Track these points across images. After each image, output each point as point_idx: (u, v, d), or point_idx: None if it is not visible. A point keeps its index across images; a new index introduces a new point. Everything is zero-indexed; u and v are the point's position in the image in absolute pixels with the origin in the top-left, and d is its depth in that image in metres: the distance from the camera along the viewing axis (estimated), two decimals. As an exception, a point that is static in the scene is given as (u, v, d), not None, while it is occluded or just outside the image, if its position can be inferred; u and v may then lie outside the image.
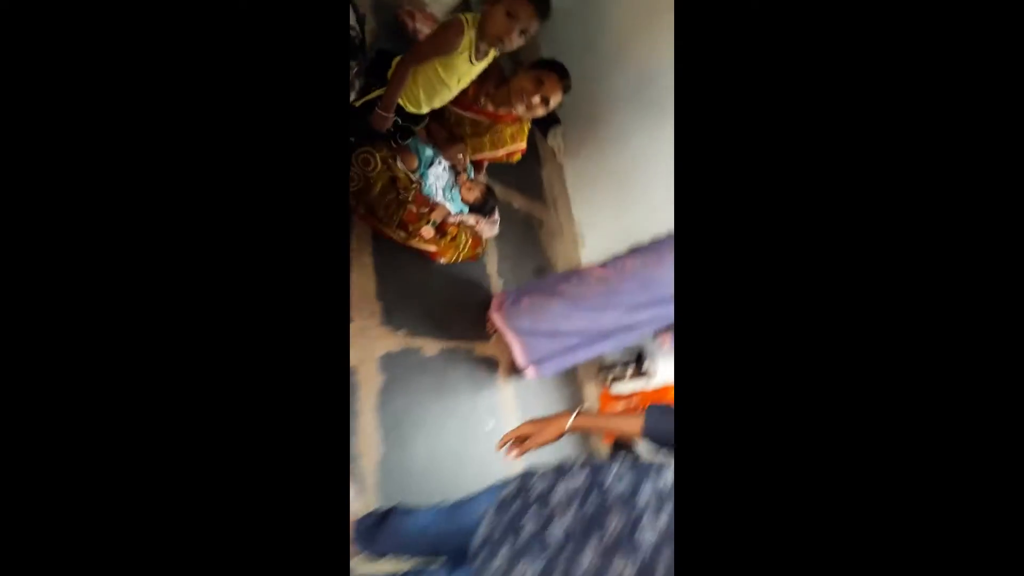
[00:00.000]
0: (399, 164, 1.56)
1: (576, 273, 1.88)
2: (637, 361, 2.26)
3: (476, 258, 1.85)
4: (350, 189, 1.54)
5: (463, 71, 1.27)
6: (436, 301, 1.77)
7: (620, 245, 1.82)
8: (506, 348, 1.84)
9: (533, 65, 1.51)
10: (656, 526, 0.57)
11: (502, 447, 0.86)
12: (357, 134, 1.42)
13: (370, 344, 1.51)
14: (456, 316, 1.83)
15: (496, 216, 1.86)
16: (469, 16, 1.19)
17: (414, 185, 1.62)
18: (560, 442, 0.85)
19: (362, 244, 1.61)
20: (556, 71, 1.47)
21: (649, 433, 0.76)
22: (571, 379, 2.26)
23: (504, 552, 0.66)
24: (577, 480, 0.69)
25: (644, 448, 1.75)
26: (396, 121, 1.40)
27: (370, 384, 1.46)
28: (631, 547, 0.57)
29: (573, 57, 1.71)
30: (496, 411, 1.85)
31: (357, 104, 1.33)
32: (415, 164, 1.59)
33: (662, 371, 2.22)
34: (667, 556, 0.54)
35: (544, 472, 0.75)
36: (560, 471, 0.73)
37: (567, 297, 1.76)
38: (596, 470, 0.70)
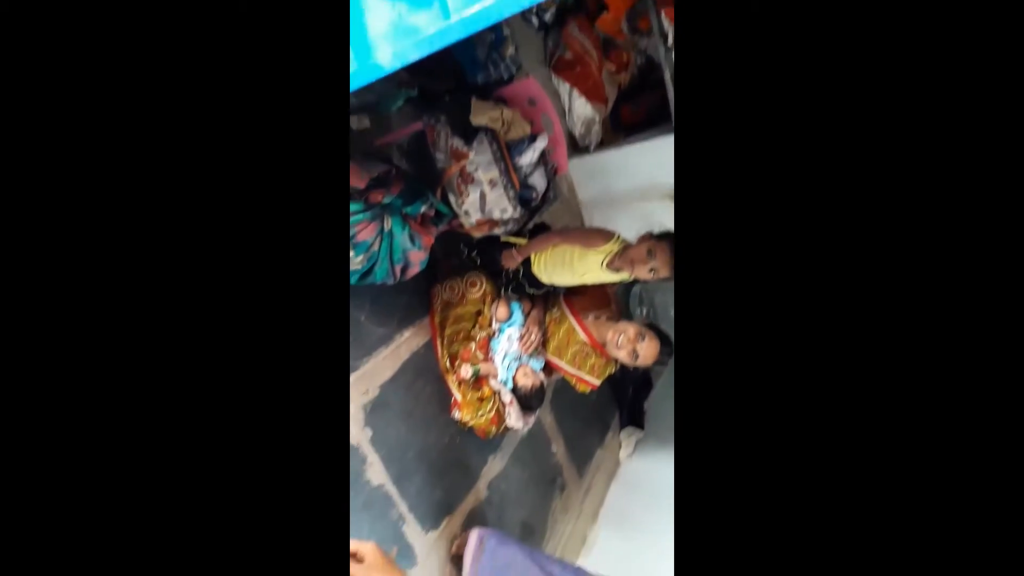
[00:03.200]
0: (493, 306, 1.67)
1: (576, 568, 1.58)
2: None
3: (487, 435, 1.68)
4: (446, 295, 1.67)
5: (592, 269, 1.43)
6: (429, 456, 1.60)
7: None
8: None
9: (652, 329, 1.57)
10: None
11: None
12: (482, 256, 1.62)
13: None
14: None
15: (531, 419, 1.73)
16: (622, 236, 1.41)
17: (489, 331, 1.68)
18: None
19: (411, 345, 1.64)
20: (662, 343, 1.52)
21: None
22: None
23: None
24: None
25: None
26: (519, 270, 1.57)
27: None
28: None
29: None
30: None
31: (502, 240, 1.56)
32: (504, 317, 1.68)
33: None
34: None
35: None
36: None
37: None
38: None
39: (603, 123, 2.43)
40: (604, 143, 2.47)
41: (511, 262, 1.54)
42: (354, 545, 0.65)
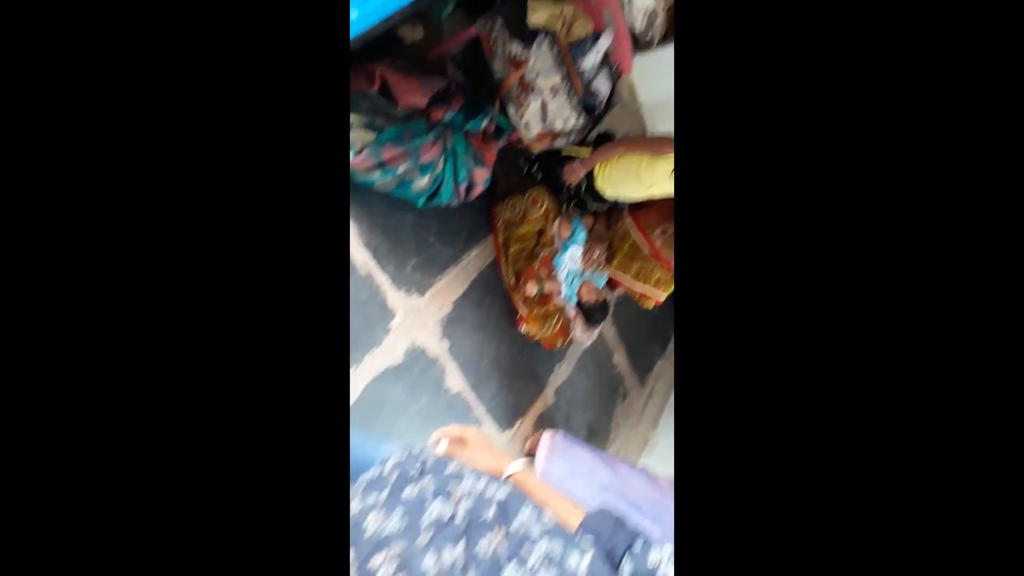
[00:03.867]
0: (555, 224, 1.67)
1: (643, 471, 1.70)
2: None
3: (552, 347, 1.77)
4: (508, 215, 1.68)
5: (661, 179, 1.37)
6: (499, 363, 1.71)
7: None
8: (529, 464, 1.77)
9: None
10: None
11: (438, 437, 0.74)
12: (543, 172, 1.59)
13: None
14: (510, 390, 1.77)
15: (595, 332, 1.79)
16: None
17: (552, 250, 1.70)
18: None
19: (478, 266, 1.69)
20: None
21: (585, 530, 0.58)
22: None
23: (371, 500, 0.59)
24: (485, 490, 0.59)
25: None
26: (582, 185, 1.54)
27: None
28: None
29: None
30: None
31: (563, 153, 1.52)
32: (566, 235, 1.68)
33: None
34: None
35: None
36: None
37: (619, 478, 1.60)
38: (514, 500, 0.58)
39: (667, 12, 2.17)
40: (668, 36, 2.23)
41: (573, 176, 1.51)
42: (458, 430, 0.73)
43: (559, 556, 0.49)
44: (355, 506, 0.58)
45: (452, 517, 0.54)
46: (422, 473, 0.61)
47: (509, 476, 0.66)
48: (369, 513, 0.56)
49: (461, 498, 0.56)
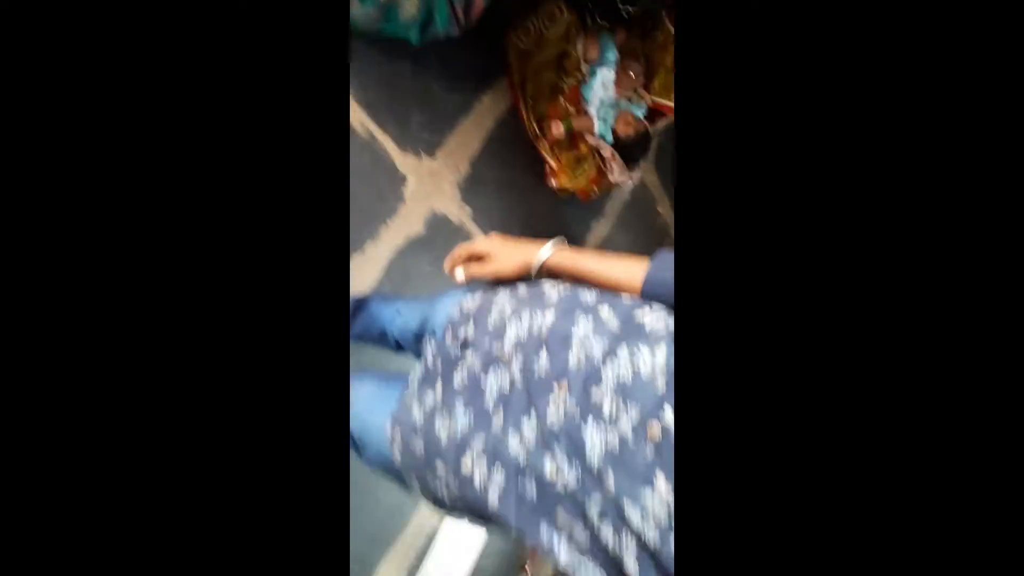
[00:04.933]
0: (579, 44, 1.38)
1: None
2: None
3: (588, 197, 1.60)
4: (521, 44, 1.39)
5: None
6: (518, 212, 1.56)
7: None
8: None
9: None
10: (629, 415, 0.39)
11: (451, 266, 0.64)
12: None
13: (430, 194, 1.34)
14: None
15: (636, 173, 1.58)
16: None
17: (578, 76, 1.43)
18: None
19: (493, 112, 1.46)
20: None
21: (652, 291, 0.48)
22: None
23: (430, 402, 0.53)
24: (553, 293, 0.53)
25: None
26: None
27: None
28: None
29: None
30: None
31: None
32: (594, 57, 1.40)
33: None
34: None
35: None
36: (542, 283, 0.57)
37: None
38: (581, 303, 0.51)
39: None
40: None
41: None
42: (466, 248, 0.63)
43: (630, 371, 0.40)
44: (417, 414, 0.52)
45: (512, 384, 0.46)
46: (463, 347, 0.53)
47: (543, 265, 0.58)
48: (434, 418, 0.50)
49: (511, 356, 0.48)
